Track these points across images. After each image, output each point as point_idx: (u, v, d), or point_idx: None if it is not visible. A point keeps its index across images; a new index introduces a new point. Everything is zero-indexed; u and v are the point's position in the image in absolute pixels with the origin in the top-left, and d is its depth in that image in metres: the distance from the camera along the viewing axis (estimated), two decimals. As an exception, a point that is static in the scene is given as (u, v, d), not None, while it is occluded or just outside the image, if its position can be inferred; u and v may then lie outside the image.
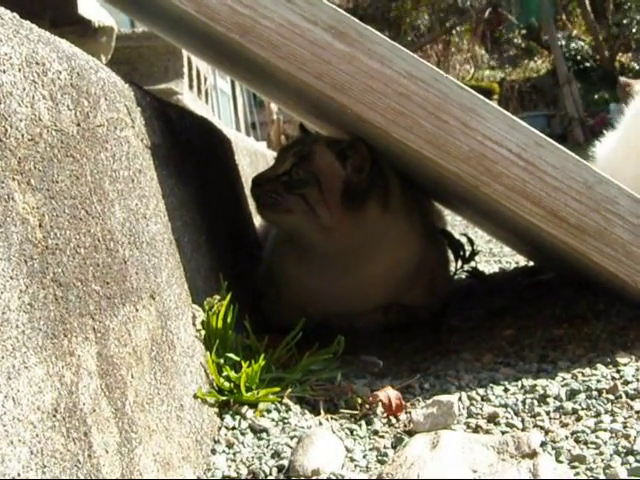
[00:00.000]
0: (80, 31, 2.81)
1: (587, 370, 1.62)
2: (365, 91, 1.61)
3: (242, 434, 1.42)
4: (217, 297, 1.56)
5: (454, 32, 18.13)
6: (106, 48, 3.09)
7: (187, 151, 1.91)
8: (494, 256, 3.75)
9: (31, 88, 0.99)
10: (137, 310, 1.18)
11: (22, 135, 0.94)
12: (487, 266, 3.40)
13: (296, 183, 2.13)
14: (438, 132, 1.63)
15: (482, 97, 1.66)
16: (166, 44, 4.14)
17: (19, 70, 0.97)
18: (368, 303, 2.29)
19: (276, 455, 1.34)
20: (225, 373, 1.51)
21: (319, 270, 2.23)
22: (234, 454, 1.36)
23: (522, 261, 3.38)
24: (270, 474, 1.28)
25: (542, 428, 1.41)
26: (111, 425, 0.98)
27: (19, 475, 0.74)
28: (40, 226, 0.93)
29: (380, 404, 1.53)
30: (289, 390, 1.55)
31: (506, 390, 1.59)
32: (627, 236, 1.67)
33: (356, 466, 1.33)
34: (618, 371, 1.59)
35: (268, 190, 2.16)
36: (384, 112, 1.62)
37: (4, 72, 0.93)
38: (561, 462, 1.25)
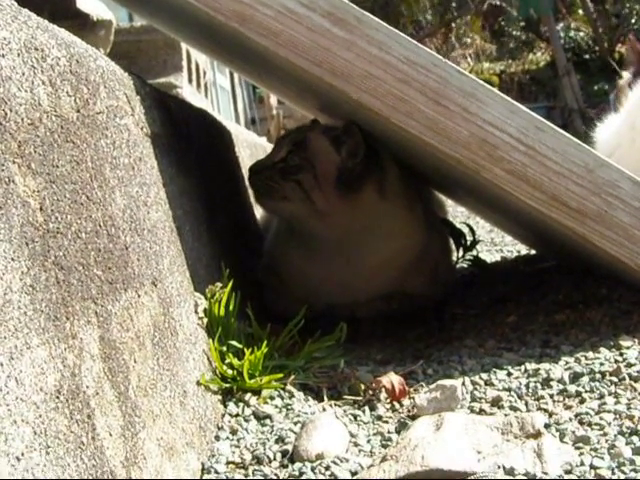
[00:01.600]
0: (79, 25, 2.81)
1: (590, 354, 1.62)
2: (365, 77, 1.61)
3: (246, 421, 1.42)
4: (219, 285, 1.56)
5: (454, 25, 18.11)
6: (105, 42, 3.09)
7: (187, 141, 1.91)
8: (495, 245, 3.75)
9: (30, 73, 0.99)
10: (139, 296, 1.18)
11: (22, 119, 0.94)
12: (489, 255, 3.40)
13: (291, 169, 2.13)
14: (438, 117, 1.63)
15: (482, 82, 1.65)
16: (165, 38, 4.14)
17: (18, 55, 0.97)
18: (370, 292, 2.28)
19: (280, 441, 1.34)
20: (228, 360, 1.51)
21: (320, 259, 2.23)
22: (238, 440, 1.36)
23: (523, 250, 3.38)
24: (274, 459, 1.28)
25: (546, 411, 1.41)
26: (114, 408, 0.98)
27: (22, 455, 0.74)
28: (41, 209, 0.92)
29: (383, 390, 1.53)
30: (292, 377, 1.55)
31: (509, 374, 1.59)
32: (628, 219, 1.67)
33: (360, 451, 1.33)
34: (621, 354, 1.59)
35: (265, 178, 2.16)
36: (384, 98, 1.62)
37: (3, 56, 0.93)
38: (565, 443, 1.25)
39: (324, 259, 2.22)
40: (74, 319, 0.93)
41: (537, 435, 1.19)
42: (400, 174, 2.24)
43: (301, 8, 1.59)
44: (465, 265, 2.89)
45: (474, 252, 2.83)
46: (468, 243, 2.74)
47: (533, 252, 3.19)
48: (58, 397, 0.84)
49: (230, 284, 1.57)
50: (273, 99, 9.85)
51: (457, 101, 1.63)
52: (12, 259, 0.82)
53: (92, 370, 0.94)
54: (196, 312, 1.50)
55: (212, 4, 1.60)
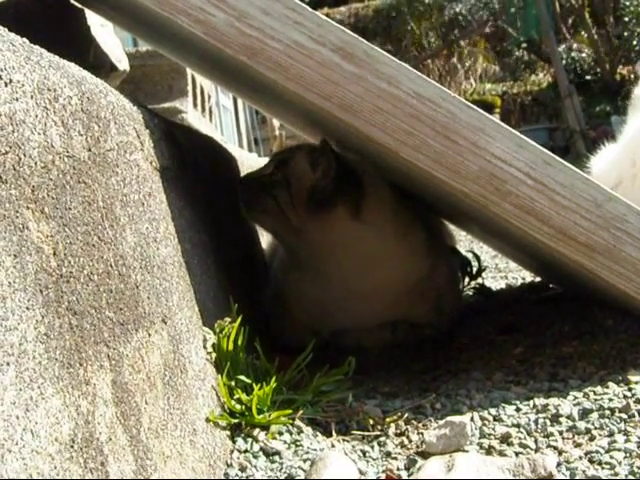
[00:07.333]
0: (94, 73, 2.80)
1: (599, 388, 1.61)
2: (374, 112, 1.61)
3: (255, 457, 1.42)
4: (228, 319, 1.56)
5: (456, 46, 18.13)
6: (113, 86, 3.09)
7: (194, 172, 1.91)
8: (500, 272, 3.74)
9: (43, 115, 0.99)
10: (150, 335, 1.18)
11: (35, 163, 0.93)
12: (494, 282, 3.39)
13: (271, 184, 2.20)
14: (447, 152, 1.63)
15: (491, 116, 1.66)
16: (170, 63, 4.15)
17: (31, 97, 0.97)
18: (371, 318, 2.29)
19: (290, 478, 1.33)
20: (236, 396, 1.50)
21: (317, 282, 2.24)
22: (247, 478, 1.35)
23: (528, 276, 3.37)
24: (284, 498, 1.28)
25: (555, 448, 1.40)
26: (127, 453, 0.97)
27: (38, 508, 0.74)
28: (54, 254, 0.92)
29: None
30: (301, 412, 1.54)
31: (518, 410, 1.58)
32: (636, 254, 1.67)
33: (369, 489, 1.32)
34: (630, 389, 1.59)
35: (249, 189, 2.24)
36: (393, 132, 1.62)
37: (17, 100, 0.93)
38: (576, 484, 1.24)
39: (319, 282, 2.23)
40: (87, 364, 0.93)
41: (549, 477, 1.18)
42: (389, 200, 2.25)
43: (311, 43, 1.59)
44: (470, 293, 2.89)
45: (479, 279, 2.83)
46: (474, 271, 2.73)
47: (538, 279, 3.18)
48: (72, 446, 0.83)
49: (239, 319, 1.57)
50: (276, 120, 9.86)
51: (466, 136, 1.63)
52: (27, 308, 0.82)
53: (105, 416, 0.94)
54: (205, 347, 1.49)
55: (221, 38, 1.60)
